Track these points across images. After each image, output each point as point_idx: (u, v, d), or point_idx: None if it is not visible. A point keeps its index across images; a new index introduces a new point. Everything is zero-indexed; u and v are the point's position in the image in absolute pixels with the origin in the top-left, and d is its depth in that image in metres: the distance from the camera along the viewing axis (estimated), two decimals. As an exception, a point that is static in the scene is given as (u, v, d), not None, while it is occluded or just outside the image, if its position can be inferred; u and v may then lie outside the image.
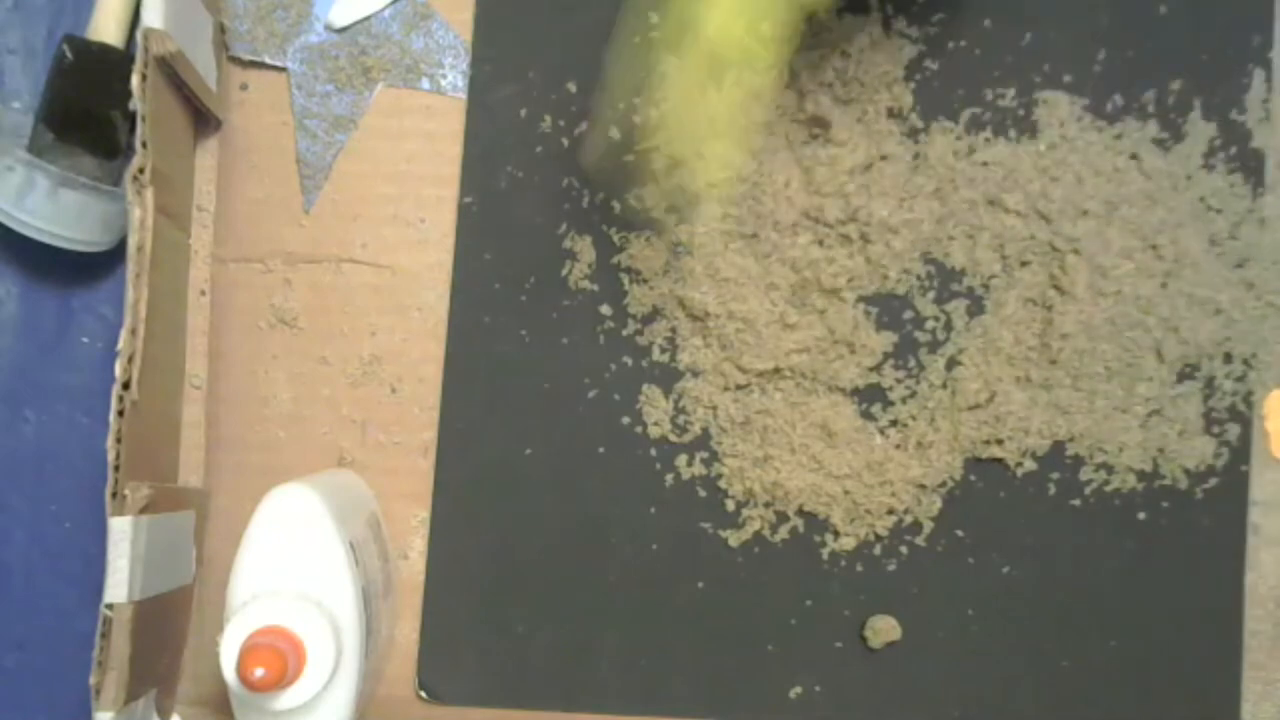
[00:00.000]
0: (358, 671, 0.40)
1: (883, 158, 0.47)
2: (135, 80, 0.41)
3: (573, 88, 0.48)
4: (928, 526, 0.47)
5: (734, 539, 0.47)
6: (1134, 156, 0.48)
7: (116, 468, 0.40)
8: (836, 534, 0.47)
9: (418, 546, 0.47)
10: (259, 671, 0.36)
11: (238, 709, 0.39)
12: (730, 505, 0.47)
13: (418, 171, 0.48)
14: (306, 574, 0.40)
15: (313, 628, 0.38)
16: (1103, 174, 0.47)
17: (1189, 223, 0.48)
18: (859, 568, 0.47)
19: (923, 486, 0.47)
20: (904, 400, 0.47)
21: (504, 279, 0.48)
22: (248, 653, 0.36)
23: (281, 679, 0.36)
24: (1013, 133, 0.48)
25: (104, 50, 0.46)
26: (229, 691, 0.39)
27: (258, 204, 0.48)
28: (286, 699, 0.37)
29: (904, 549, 0.47)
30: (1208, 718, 0.47)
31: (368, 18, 0.48)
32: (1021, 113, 0.48)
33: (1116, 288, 0.47)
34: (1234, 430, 0.48)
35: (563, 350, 0.47)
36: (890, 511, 0.47)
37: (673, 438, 0.47)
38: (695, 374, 0.47)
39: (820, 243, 0.46)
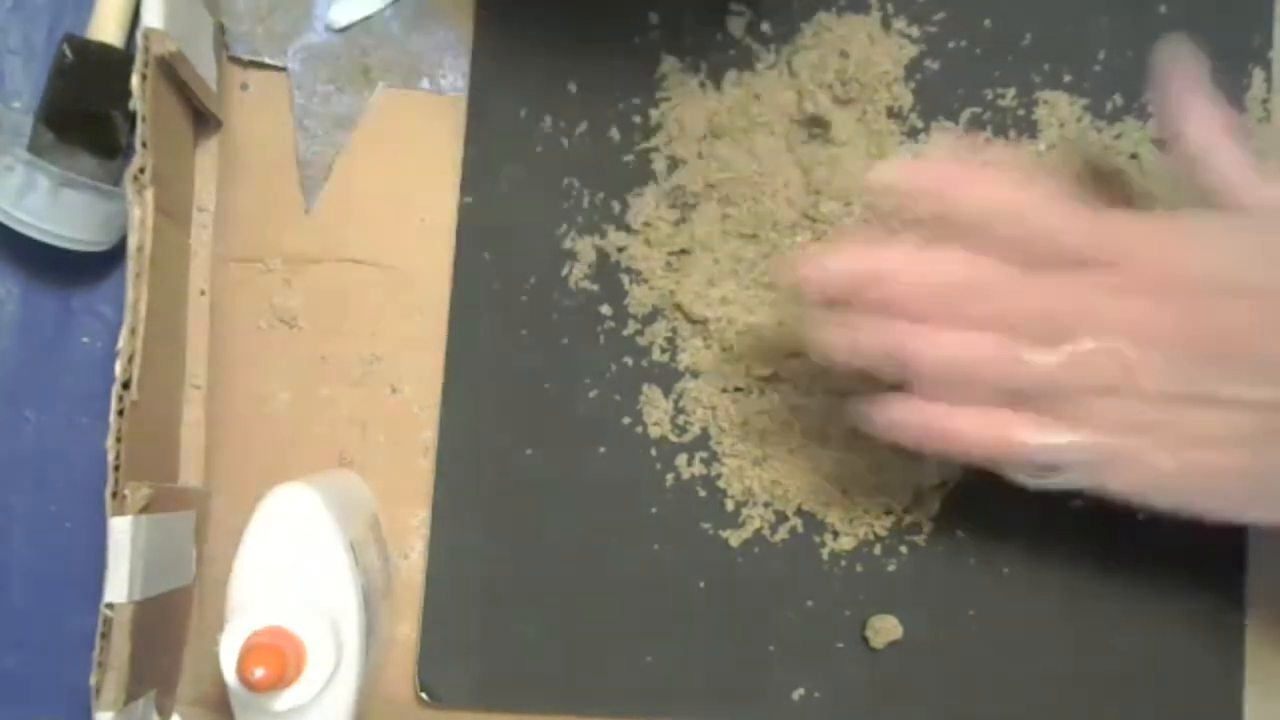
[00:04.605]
0: (358, 672, 0.40)
1: (883, 157, 0.47)
2: (135, 80, 0.41)
3: (573, 88, 0.48)
4: (927, 527, 0.47)
5: (734, 538, 0.47)
6: (1134, 156, 0.48)
7: (116, 467, 0.40)
8: (836, 534, 0.47)
9: (418, 547, 0.47)
10: (259, 671, 0.36)
11: (237, 709, 0.39)
12: (730, 505, 0.47)
13: (418, 171, 0.48)
14: (306, 574, 0.40)
15: (313, 628, 0.38)
16: (1103, 174, 0.47)
17: (1189, 223, 0.48)
18: (859, 568, 0.47)
19: (921, 486, 0.47)
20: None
21: (504, 279, 0.48)
22: (248, 653, 0.36)
23: (281, 679, 0.36)
24: (1013, 133, 0.48)
25: (104, 50, 0.46)
26: (229, 692, 0.39)
27: (258, 204, 0.48)
28: (286, 699, 0.37)
29: (904, 549, 0.47)
30: (1209, 718, 0.47)
31: (368, 18, 0.48)
32: (1021, 113, 0.48)
33: (1116, 288, 0.47)
34: (1234, 430, 0.48)
35: (563, 350, 0.47)
36: (889, 512, 0.47)
37: (672, 438, 0.47)
38: (695, 375, 0.47)
39: (818, 241, 0.46)
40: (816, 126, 0.47)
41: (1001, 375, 0.38)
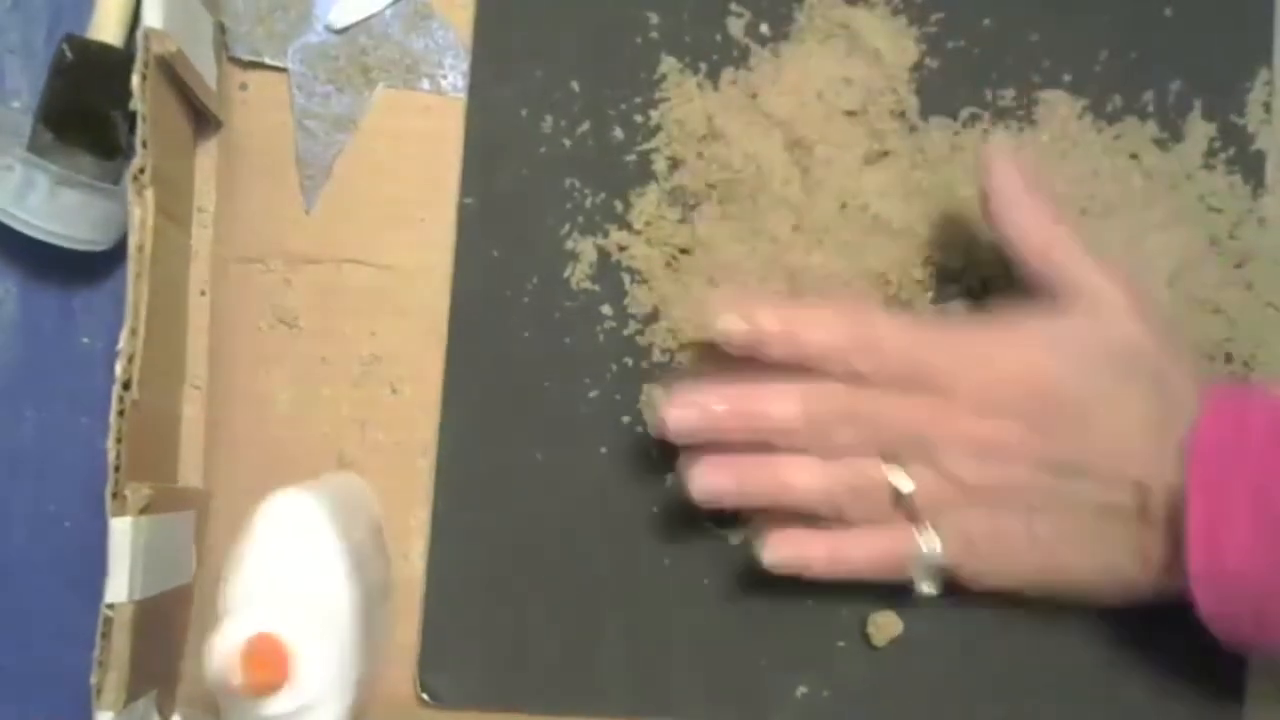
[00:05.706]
0: (354, 675, 0.40)
1: (883, 155, 0.47)
2: (135, 80, 0.41)
3: (575, 87, 0.48)
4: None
5: (734, 537, 0.47)
6: (1134, 156, 0.48)
7: (117, 468, 0.40)
8: (837, 534, 0.47)
9: (418, 547, 0.47)
10: (251, 676, 0.36)
11: (227, 713, 0.39)
12: (730, 505, 0.47)
13: (418, 171, 0.48)
14: (304, 579, 0.40)
15: (308, 633, 0.38)
16: (1102, 174, 0.47)
17: (1189, 222, 0.48)
18: (859, 567, 0.47)
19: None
20: (904, 400, 0.47)
21: (505, 279, 0.48)
22: (240, 657, 0.36)
23: (270, 685, 0.36)
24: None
25: (104, 50, 0.46)
26: (220, 696, 0.38)
27: (258, 204, 0.48)
28: (278, 704, 0.37)
29: (904, 549, 0.47)
30: (1209, 718, 0.47)
31: (368, 18, 0.48)
32: (1021, 113, 0.48)
33: (1116, 287, 0.47)
34: (1234, 430, 0.48)
35: (564, 350, 0.47)
36: (890, 511, 0.47)
37: (673, 437, 0.47)
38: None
39: (819, 243, 0.46)
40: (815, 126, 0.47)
41: (872, 503, 0.41)
